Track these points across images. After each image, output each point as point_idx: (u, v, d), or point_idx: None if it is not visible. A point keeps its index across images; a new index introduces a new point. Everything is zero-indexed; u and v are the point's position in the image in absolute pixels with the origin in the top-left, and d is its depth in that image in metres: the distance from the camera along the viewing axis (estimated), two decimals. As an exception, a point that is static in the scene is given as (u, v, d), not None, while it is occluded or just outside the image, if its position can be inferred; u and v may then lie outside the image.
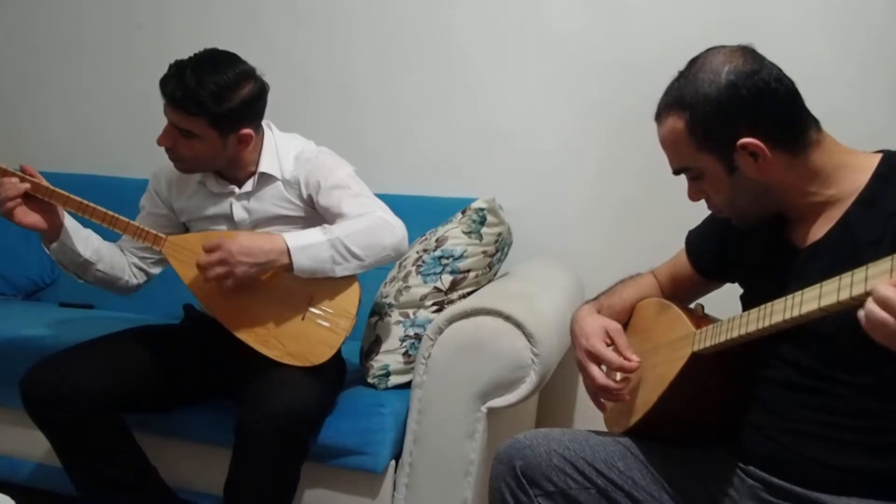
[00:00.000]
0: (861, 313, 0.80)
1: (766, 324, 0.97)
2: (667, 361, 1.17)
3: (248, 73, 1.60)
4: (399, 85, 2.40)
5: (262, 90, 1.63)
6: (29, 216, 1.53)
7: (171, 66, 1.57)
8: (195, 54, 1.59)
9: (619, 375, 1.25)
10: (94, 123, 2.73)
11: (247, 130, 1.61)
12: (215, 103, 1.54)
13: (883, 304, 0.78)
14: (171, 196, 1.77)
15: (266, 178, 1.68)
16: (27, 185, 1.51)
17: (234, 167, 1.67)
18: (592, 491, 1.16)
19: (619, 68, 2.18)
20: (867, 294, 0.80)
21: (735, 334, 1.03)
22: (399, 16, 2.38)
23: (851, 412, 1.01)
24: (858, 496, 0.99)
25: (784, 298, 0.93)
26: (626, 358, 1.22)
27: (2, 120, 2.85)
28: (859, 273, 0.82)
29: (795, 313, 0.91)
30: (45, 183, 1.54)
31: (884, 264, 0.78)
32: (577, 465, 1.16)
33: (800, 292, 0.90)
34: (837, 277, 0.85)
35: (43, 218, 1.55)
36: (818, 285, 0.87)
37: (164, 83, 1.56)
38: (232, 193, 1.69)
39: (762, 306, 0.98)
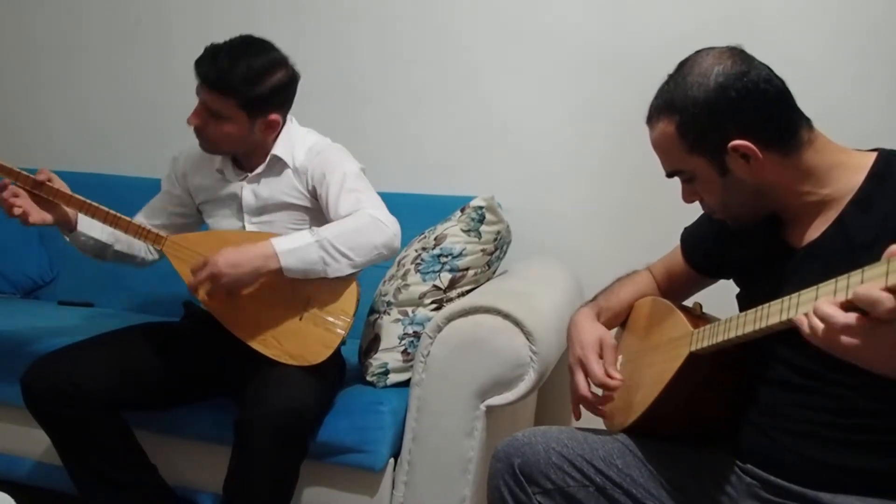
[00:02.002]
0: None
1: (763, 325, 0.96)
2: (664, 361, 1.17)
3: (281, 61, 1.64)
4: (398, 84, 2.40)
5: (292, 78, 1.67)
6: (40, 215, 1.55)
7: (206, 49, 1.61)
8: (230, 38, 1.62)
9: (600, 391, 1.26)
10: (94, 122, 2.73)
11: (275, 116, 1.65)
12: (247, 87, 1.58)
13: (821, 318, 0.82)
14: (186, 178, 1.80)
15: (277, 164, 1.70)
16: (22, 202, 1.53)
17: (254, 152, 1.70)
18: (591, 489, 1.16)
19: (619, 67, 2.18)
20: None
21: (732, 335, 1.03)
22: (399, 15, 2.38)
23: (848, 411, 1.01)
24: (856, 494, 1.00)
25: (781, 300, 0.93)
26: (609, 376, 1.23)
27: (2, 119, 2.84)
28: (855, 276, 0.81)
29: (792, 314, 0.91)
30: (54, 185, 1.56)
31: (880, 268, 0.78)
32: (576, 463, 1.17)
33: (796, 294, 0.90)
34: (833, 280, 0.84)
35: (52, 215, 1.58)
36: (815, 287, 0.87)
37: (199, 64, 1.59)
38: (244, 177, 1.72)
39: (759, 307, 0.98)
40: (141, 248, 1.78)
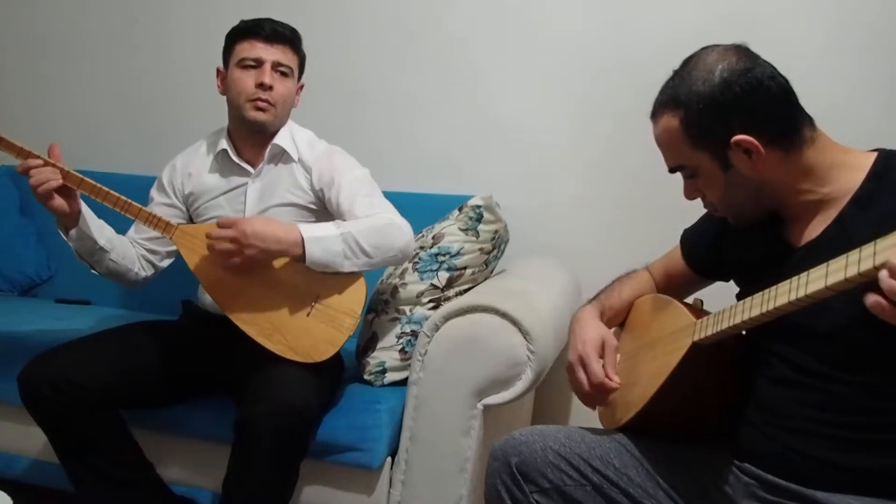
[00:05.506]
0: (870, 298, 0.79)
1: (771, 307, 0.95)
2: (665, 354, 1.17)
3: None
4: (398, 83, 2.40)
5: None
6: (58, 200, 1.53)
7: (246, 21, 1.71)
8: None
9: None
10: (93, 121, 2.73)
11: (302, 83, 1.80)
12: (301, 47, 1.76)
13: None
14: (184, 182, 1.79)
15: (279, 154, 1.72)
16: (60, 179, 1.52)
17: (274, 127, 1.73)
18: (588, 488, 1.16)
19: (617, 66, 2.18)
20: (876, 269, 0.79)
21: (738, 320, 1.02)
22: (399, 14, 2.38)
23: (848, 410, 1.01)
24: (855, 494, 1.00)
25: (789, 280, 0.92)
26: (608, 377, 1.23)
27: (2, 119, 2.84)
28: (867, 248, 0.80)
29: (801, 294, 0.89)
30: (61, 164, 1.55)
31: (892, 238, 0.78)
32: (573, 462, 1.16)
33: (805, 273, 0.89)
34: (844, 255, 0.83)
35: (65, 202, 1.55)
36: (824, 264, 0.86)
37: (261, 24, 1.68)
38: (248, 174, 1.73)
39: (766, 290, 0.97)
40: (135, 262, 1.74)
